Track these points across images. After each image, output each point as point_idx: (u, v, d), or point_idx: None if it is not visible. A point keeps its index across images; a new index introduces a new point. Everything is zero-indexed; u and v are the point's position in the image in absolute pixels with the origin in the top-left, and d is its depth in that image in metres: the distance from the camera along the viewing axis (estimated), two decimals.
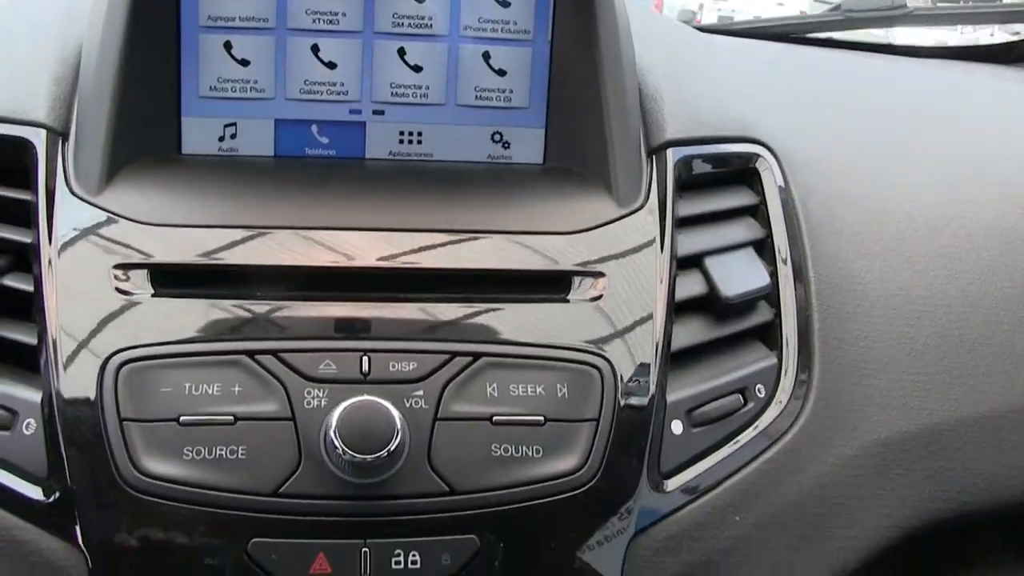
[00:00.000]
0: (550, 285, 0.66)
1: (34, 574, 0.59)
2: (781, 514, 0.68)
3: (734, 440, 0.68)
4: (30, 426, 0.61)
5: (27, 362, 0.64)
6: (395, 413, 0.57)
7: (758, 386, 0.70)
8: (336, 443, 0.56)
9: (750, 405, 0.69)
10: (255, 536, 0.58)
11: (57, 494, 0.60)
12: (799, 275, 0.74)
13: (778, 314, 0.73)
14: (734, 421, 0.68)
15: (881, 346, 0.75)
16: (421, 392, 0.60)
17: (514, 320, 0.64)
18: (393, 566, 0.58)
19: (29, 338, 0.63)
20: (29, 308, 0.65)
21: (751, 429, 0.69)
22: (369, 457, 0.56)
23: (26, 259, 0.66)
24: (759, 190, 0.77)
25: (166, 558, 0.58)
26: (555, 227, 0.68)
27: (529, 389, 0.62)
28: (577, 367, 0.63)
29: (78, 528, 0.59)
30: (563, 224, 0.69)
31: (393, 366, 0.61)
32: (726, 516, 0.66)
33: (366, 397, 0.58)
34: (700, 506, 0.65)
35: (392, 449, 0.57)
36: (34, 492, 0.60)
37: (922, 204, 0.82)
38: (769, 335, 0.73)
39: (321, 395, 0.60)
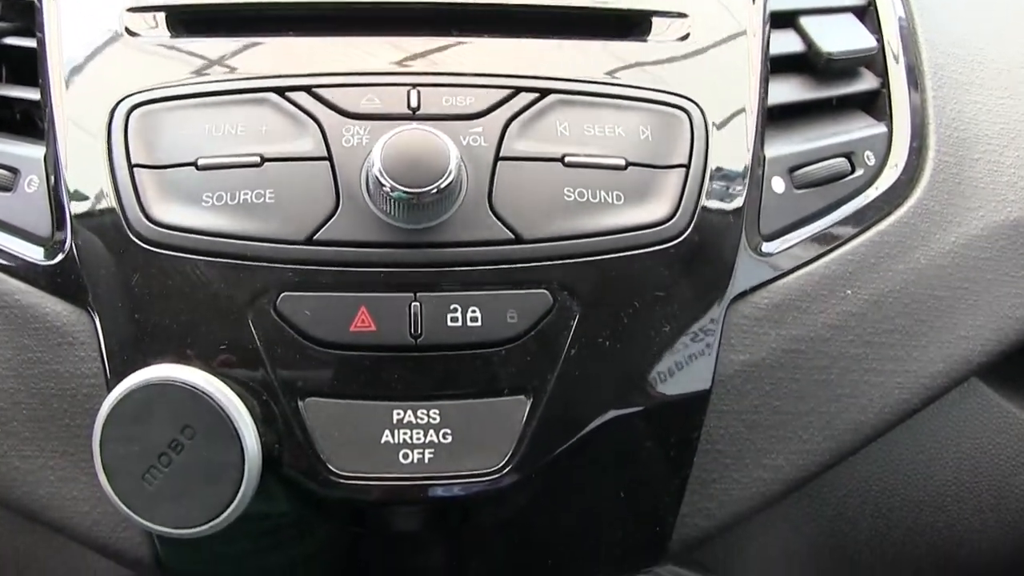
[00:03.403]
0: (627, 24, 0.53)
1: (39, 341, 0.49)
2: (897, 293, 0.54)
3: (844, 206, 0.54)
4: (32, 183, 0.51)
5: (32, 124, 0.54)
6: (448, 142, 0.45)
7: (867, 153, 0.56)
8: (381, 179, 0.44)
9: (859, 172, 0.56)
10: (285, 290, 0.46)
11: (62, 253, 0.49)
12: (907, 41, 0.60)
13: (885, 83, 0.59)
14: (843, 188, 0.55)
15: (1005, 120, 0.61)
16: (480, 128, 0.48)
17: (588, 58, 0.51)
18: (449, 323, 0.46)
19: (32, 94, 0.52)
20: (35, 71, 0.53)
21: (862, 197, 0.55)
22: (419, 190, 0.44)
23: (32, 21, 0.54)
24: None
25: (183, 317, 0.46)
26: None
27: (607, 130, 0.49)
28: (662, 109, 0.50)
29: (85, 287, 0.48)
30: None
31: (447, 100, 0.49)
32: (836, 288, 0.53)
33: (415, 126, 0.46)
34: (807, 274, 0.52)
35: (444, 186, 0.44)
36: (36, 253, 0.50)
37: None
38: (875, 106, 0.59)
39: (362, 132, 0.48)
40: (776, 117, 0.55)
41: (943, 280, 0.56)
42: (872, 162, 0.56)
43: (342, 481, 0.46)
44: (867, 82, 0.59)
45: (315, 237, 0.46)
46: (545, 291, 0.47)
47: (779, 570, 0.61)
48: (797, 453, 0.52)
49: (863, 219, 0.55)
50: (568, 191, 0.48)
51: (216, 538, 0.48)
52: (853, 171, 0.56)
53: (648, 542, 0.50)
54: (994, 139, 0.60)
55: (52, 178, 0.50)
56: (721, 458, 0.50)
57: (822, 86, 0.58)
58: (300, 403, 0.46)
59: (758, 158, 0.52)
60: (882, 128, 0.58)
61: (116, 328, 0.47)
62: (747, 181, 0.51)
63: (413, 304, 0.46)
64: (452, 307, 0.46)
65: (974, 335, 0.57)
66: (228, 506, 0.43)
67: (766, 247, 0.52)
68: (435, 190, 0.44)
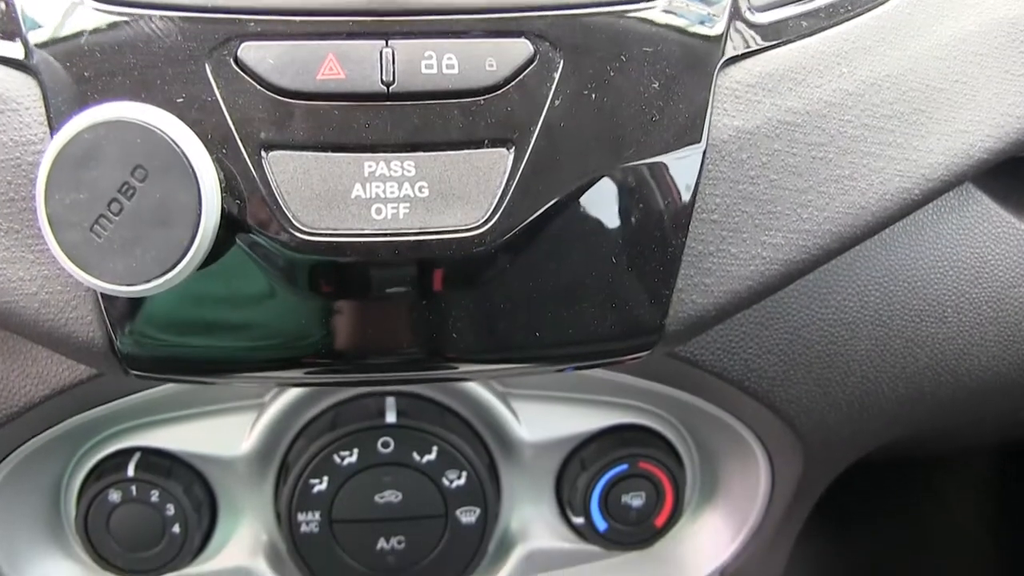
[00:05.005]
0: None
1: None
2: (894, 78, 0.51)
3: None
4: None
5: None
6: None
7: None
8: None
9: None
10: (246, 40, 0.41)
11: (3, 17, 0.43)
12: None
13: None
14: None
15: None
16: None
17: None
18: (423, 69, 0.41)
19: None
20: None
21: None
22: None
23: None
24: None
25: (136, 73, 0.42)
26: None
27: None
28: None
29: (31, 50, 0.43)
30: None
31: None
32: (831, 65, 0.49)
33: None
34: (801, 47, 0.49)
35: None
36: None
37: None
38: None
39: None
40: None
41: (940, 72, 0.52)
42: None
43: (309, 238, 0.42)
44: None
45: None
46: (526, 40, 0.43)
47: (776, 375, 0.57)
48: (796, 232, 0.48)
49: (856, 4, 0.51)
50: None
51: (174, 312, 0.44)
52: None
53: (644, 318, 0.46)
54: None
55: None
56: (717, 229, 0.46)
57: None
58: (264, 156, 0.41)
59: None
60: None
61: (64, 88, 0.42)
62: None
63: (384, 51, 0.42)
64: (427, 54, 0.42)
65: (973, 130, 0.53)
66: (185, 255, 0.38)
67: (757, 17, 0.48)
68: None
